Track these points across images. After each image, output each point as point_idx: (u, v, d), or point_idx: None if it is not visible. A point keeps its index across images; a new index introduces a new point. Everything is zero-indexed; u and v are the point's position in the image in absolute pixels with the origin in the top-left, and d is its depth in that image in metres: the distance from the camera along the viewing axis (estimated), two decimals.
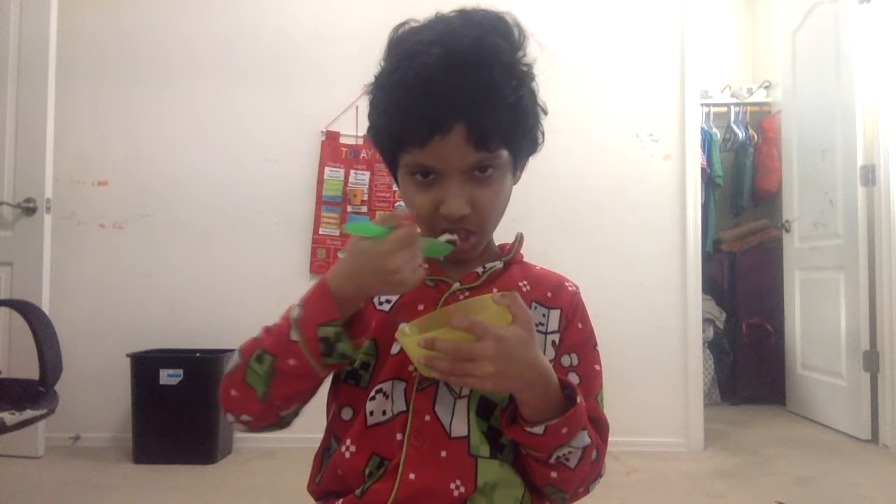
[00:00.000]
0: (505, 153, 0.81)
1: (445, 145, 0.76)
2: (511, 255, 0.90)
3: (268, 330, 0.77)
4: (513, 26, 0.80)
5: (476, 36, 0.76)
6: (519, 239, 0.93)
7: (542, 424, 0.73)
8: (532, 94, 0.82)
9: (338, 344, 0.72)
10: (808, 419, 3.68)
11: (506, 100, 0.77)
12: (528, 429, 0.74)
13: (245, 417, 0.78)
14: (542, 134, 0.87)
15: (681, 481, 2.60)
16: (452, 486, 0.76)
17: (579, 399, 0.75)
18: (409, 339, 0.71)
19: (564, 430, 0.74)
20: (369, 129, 0.86)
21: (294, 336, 0.72)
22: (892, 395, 3.10)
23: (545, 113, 0.85)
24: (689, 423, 3.05)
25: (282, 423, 0.81)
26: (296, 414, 0.81)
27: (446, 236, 0.80)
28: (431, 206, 0.80)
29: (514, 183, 0.88)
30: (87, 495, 2.39)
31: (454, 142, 0.75)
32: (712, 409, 3.77)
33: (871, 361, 3.22)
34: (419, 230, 0.71)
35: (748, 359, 4.09)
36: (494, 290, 0.84)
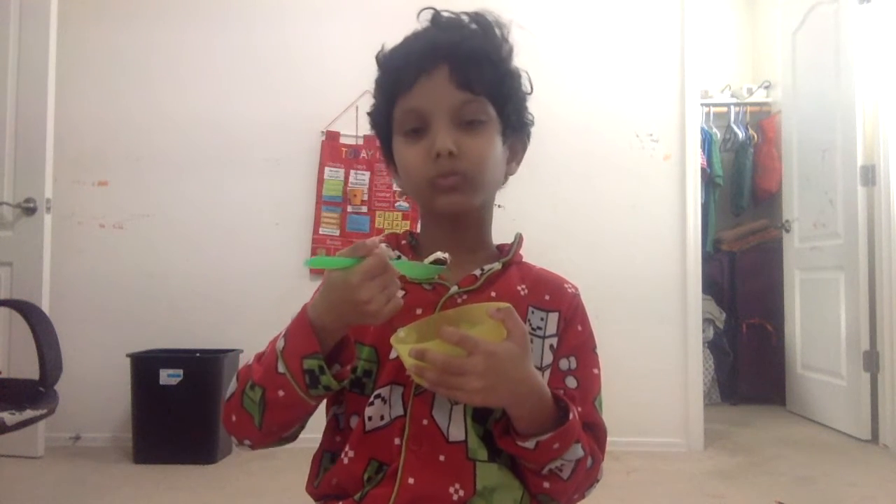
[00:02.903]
0: (491, 109, 0.83)
1: (430, 85, 0.80)
2: (510, 256, 0.89)
3: (258, 359, 0.78)
4: (493, 23, 0.86)
5: (466, 14, 0.86)
6: (518, 239, 0.93)
7: (533, 439, 0.73)
8: (517, 71, 0.87)
9: (322, 377, 0.73)
10: (808, 419, 3.68)
11: (489, 53, 0.83)
12: (519, 443, 0.74)
13: (247, 441, 0.80)
14: (532, 118, 0.91)
15: (681, 481, 2.60)
16: (451, 489, 0.77)
17: (572, 415, 0.75)
18: (402, 346, 0.71)
19: (556, 446, 0.74)
20: (371, 111, 0.90)
21: (281, 368, 0.73)
22: (892, 395, 3.10)
23: (530, 92, 0.89)
24: (689, 423, 3.05)
25: (285, 441, 0.82)
26: (301, 429, 0.82)
27: (435, 256, 0.79)
28: (423, 156, 0.81)
29: (510, 170, 0.91)
30: (87, 495, 2.39)
31: (438, 81, 0.80)
32: (712, 409, 3.77)
33: (871, 361, 3.22)
34: (389, 258, 0.71)
35: (748, 359, 4.09)
36: (493, 293, 0.84)
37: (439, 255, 0.80)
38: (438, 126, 0.80)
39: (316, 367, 0.72)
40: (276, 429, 0.79)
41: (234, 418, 0.79)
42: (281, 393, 0.74)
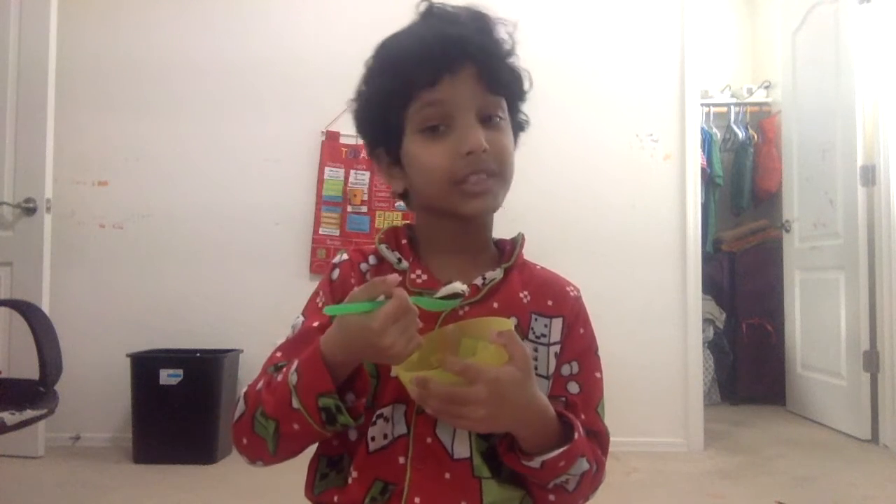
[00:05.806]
0: (506, 108, 0.83)
1: (456, 85, 0.77)
2: (511, 261, 0.86)
3: (269, 386, 0.76)
4: (498, 20, 0.84)
5: (470, 6, 0.83)
6: (520, 241, 0.90)
7: (538, 458, 0.73)
8: (523, 71, 0.86)
9: (339, 416, 0.72)
10: (808, 419, 3.68)
11: (507, 53, 0.82)
12: (524, 462, 0.74)
13: (260, 462, 0.80)
14: (526, 117, 0.89)
15: (681, 481, 2.60)
16: None
17: (577, 434, 0.75)
18: (404, 373, 0.70)
19: (562, 464, 0.74)
20: (361, 110, 0.85)
21: (295, 404, 0.72)
22: (892, 395, 3.10)
23: (529, 90, 0.87)
24: (689, 423, 3.05)
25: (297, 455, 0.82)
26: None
27: (452, 289, 0.78)
28: (449, 154, 0.77)
29: None
30: (87, 495, 2.39)
31: (465, 82, 0.78)
32: (712, 409, 3.77)
33: (871, 361, 3.22)
34: (409, 298, 0.68)
35: (748, 359, 4.09)
36: (495, 304, 0.82)
37: (457, 288, 0.79)
38: (466, 124, 0.78)
39: (332, 405, 0.71)
40: (291, 454, 0.78)
41: (245, 441, 0.78)
42: (296, 426, 0.73)
